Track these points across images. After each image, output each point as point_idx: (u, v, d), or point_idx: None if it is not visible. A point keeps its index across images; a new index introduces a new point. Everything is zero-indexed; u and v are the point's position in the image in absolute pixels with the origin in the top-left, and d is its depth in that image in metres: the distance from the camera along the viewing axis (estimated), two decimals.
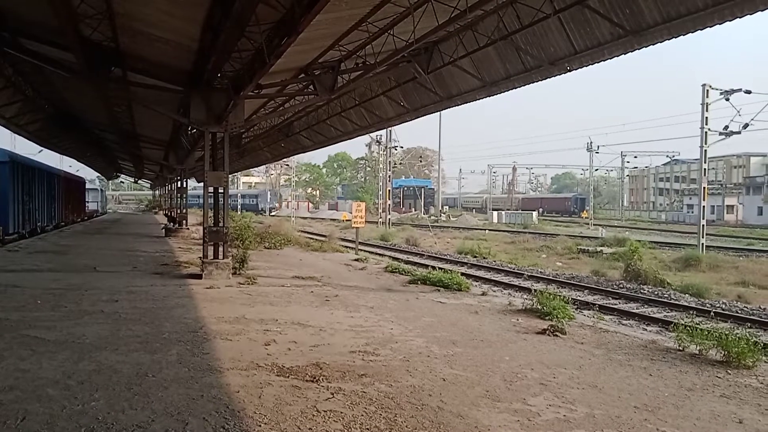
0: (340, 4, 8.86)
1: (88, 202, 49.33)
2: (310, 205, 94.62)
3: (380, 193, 61.79)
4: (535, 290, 12.20)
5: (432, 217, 68.36)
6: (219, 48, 11.12)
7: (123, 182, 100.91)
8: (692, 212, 62.56)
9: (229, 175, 14.76)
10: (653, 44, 9.50)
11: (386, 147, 53.27)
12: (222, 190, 14.49)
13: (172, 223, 29.73)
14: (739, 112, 32.08)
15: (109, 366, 6.22)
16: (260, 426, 4.78)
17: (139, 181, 72.40)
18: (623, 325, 12.35)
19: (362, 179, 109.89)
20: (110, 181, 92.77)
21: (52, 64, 13.49)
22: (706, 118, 28.91)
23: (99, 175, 76.46)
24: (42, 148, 35.90)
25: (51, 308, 9.32)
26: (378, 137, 54.68)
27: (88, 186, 51.44)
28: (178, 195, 32.72)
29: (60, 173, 33.02)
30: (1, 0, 11.63)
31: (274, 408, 5.17)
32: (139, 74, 13.96)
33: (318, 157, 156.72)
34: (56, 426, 4.60)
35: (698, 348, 7.83)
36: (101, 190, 70.41)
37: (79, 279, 12.69)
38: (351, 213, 28.35)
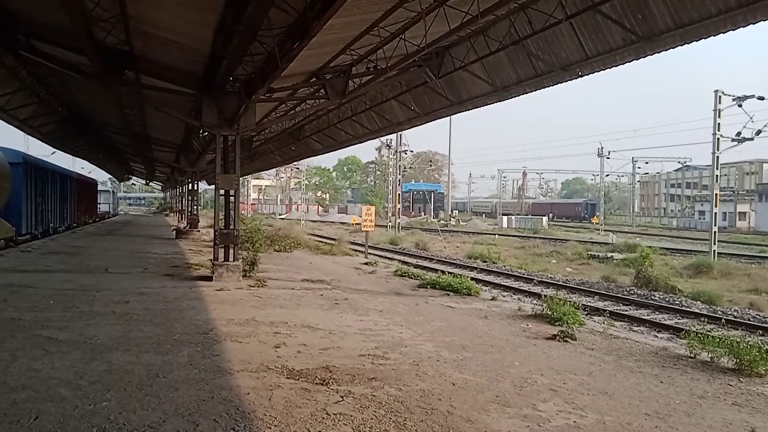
0: (353, 9, 8.89)
1: (100, 203, 49.67)
2: (320, 208, 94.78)
3: (390, 197, 61.77)
4: (545, 295, 12.17)
5: (441, 222, 68.27)
6: (231, 52, 11.19)
7: (135, 184, 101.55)
8: (704, 219, 62.16)
9: (240, 178, 14.82)
10: (665, 50, 9.48)
11: (396, 151, 53.32)
12: (233, 193, 14.56)
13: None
14: (752, 118, 31.96)
15: (121, 366, 6.26)
16: (270, 428, 4.79)
17: (150, 183, 72.88)
18: (634, 331, 12.27)
19: (372, 183, 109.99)
20: (122, 183, 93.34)
21: (66, 67, 13.64)
22: (719, 124, 28.70)
23: (111, 176, 77.00)
24: (55, 150, 36.21)
25: (63, 309, 9.40)
26: (388, 141, 54.71)
27: (100, 188, 51.81)
28: (189, 197, 32.89)
29: (72, 175, 33.25)
30: (17, 3, 11.79)
31: (284, 410, 5.18)
32: (151, 77, 14.09)
33: (328, 160, 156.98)
34: (68, 425, 4.64)
35: (710, 355, 7.79)
36: (113, 191, 70.91)
37: (91, 280, 12.78)
38: (360, 217, 28.35)
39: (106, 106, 20.41)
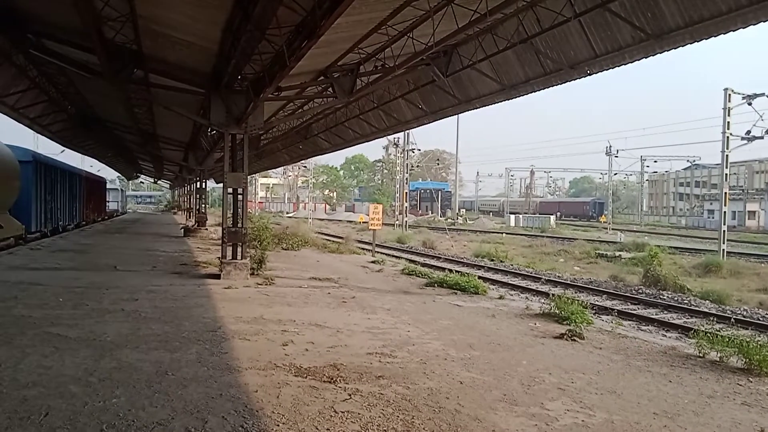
0: (361, 8, 8.90)
1: (108, 201, 49.91)
2: (327, 206, 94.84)
3: (397, 195, 61.78)
4: (553, 294, 12.17)
5: (449, 220, 68.20)
6: (239, 50, 11.22)
7: (143, 182, 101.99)
8: (713, 218, 61.73)
9: (248, 177, 14.86)
10: (675, 48, 9.42)
11: (403, 149, 53.28)
12: (241, 191, 14.60)
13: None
14: (761, 116, 31.72)
15: (130, 364, 6.30)
16: (278, 426, 4.81)
17: (159, 181, 73.15)
18: (642, 330, 12.23)
19: (379, 181, 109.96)
20: (130, 181, 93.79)
21: (75, 66, 13.71)
22: (728, 122, 28.52)
23: (119, 175, 77.35)
24: (64, 148, 36.40)
25: (73, 306, 9.45)
26: (395, 140, 54.78)
27: (108, 186, 52.06)
28: (197, 196, 32.99)
29: (81, 173, 33.42)
30: (27, 3, 11.86)
31: (292, 408, 5.20)
32: (160, 76, 14.14)
33: (335, 159, 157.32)
34: (78, 422, 4.67)
35: (719, 355, 7.76)
36: (122, 190, 71.25)
37: (100, 278, 12.85)
38: (368, 215, 28.36)
39: (115, 104, 20.51)
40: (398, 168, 60.43)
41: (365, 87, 14.44)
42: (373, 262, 19.99)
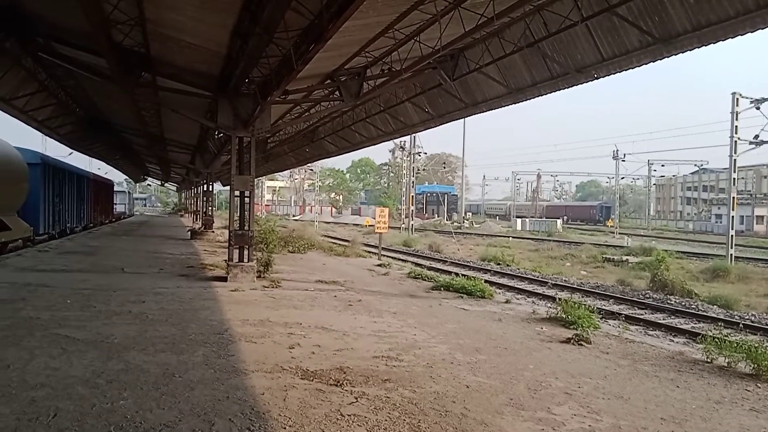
0: (368, 11, 8.92)
1: (116, 204, 50.10)
2: (333, 209, 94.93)
3: (403, 198, 61.75)
4: (560, 299, 12.13)
5: (455, 224, 68.07)
6: (247, 54, 11.27)
7: (150, 185, 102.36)
8: (721, 222, 61.50)
9: (255, 179, 14.91)
10: (682, 52, 9.43)
11: (410, 153, 53.34)
12: (248, 194, 14.64)
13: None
14: None
15: (137, 366, 6.32)
16: (285, 428, 4.81)
17: (166, 184, 73.48)
18: (649, 335, 12.18)
19: (385, 185, 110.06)
20: (137, 184, 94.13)
21: (84, 69, 13.81)
22: (736, 126, 28.40)
23: (127, 177, 77.67)
24: (72, 151, 36.63)
25: (80, 308, 9.49)
26: (402, 143, 54.87)
27: (116, 188, 52.25)
28: (204, 198, 33.10)
29: (89, 175, 33.54)
30: (36, 6, 11.95)
31: (299, 411, 5.21)
32: (168, 79, 14.21)
33: (341, 162, 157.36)
34: (86, 423, 4.69)
35: (727, 360, 7.70)
36: (129, 192, 71.50)
37: (108, 280, 12.90)
38: (374, 218, 28.40)
39: (123, 107, 20.62)
40: (404, 171, 60.48)
41: (372, 90, 14.47)
42: (379, 265, 19.98)
